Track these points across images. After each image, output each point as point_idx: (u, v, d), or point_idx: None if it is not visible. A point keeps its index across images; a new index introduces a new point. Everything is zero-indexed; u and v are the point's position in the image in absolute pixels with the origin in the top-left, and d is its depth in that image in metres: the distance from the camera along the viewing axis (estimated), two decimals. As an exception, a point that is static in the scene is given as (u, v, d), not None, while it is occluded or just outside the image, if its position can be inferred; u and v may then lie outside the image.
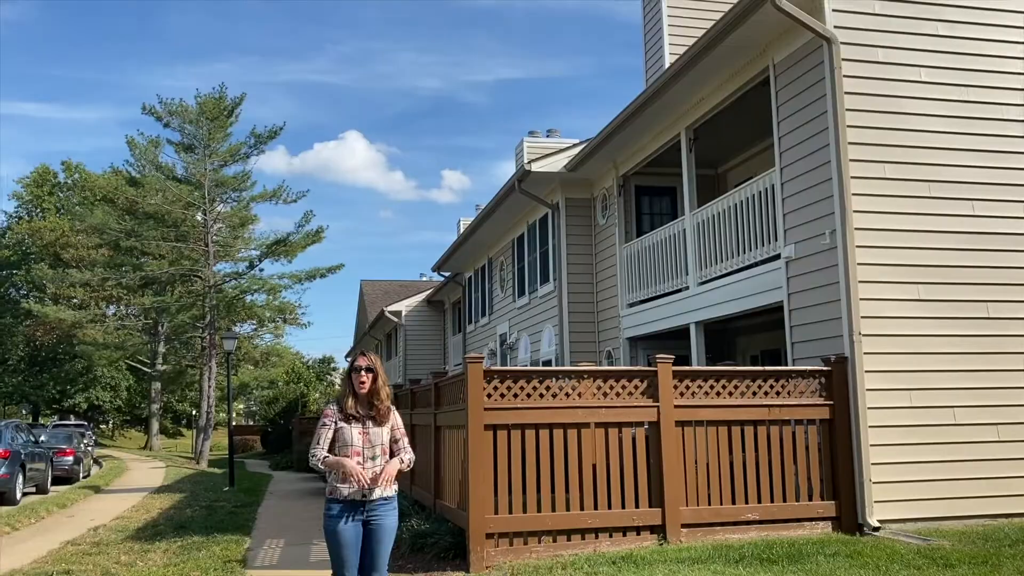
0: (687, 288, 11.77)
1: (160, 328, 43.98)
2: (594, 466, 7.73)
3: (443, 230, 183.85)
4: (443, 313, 30.54)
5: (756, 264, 10.13)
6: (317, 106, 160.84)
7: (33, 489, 17.87)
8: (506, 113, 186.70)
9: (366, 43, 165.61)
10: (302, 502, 15.37)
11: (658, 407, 7.92)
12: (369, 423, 4.82)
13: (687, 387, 8.08)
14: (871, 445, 8.10)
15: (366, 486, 4.70)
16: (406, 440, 4.97)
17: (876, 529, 7.92)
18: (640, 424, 7.97)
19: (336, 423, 4.81)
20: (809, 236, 8.96)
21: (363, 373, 4.82)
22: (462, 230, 24.05)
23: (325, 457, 4.77)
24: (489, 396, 7.61)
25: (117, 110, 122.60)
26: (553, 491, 7.62)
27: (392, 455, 4.88)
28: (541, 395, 7.74)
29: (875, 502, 8.03)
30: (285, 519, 12.69)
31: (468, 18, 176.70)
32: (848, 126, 8.50)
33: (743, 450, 8.09)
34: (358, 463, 4.74)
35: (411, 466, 4.99)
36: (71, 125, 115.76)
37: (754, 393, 8.21)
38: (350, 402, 4.82)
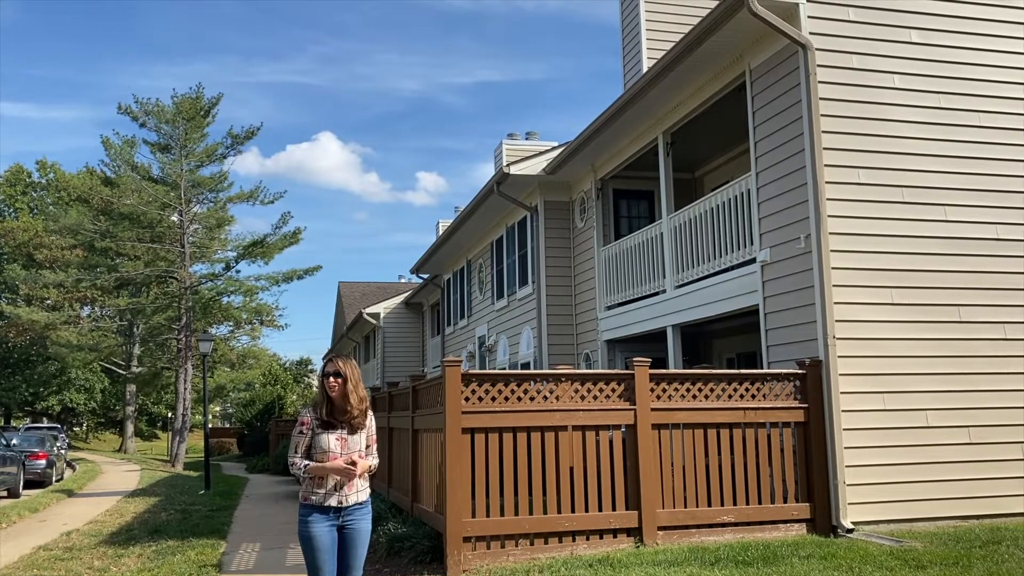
0: (664, 291, 11.82)
1: (135, 330, 43.55)
2: (571, 469, 7.75)
3: (420, 232, 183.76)
4: (422, 315, 30.49)
5: (732, 268, 10.20)
6: (295, 107, 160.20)
7: (4, 493, 17.64)
8: (485, 115, 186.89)
9: (345, 44, 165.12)
10: (278, 505, 15.28)
11: (635, 410, 7.95)
12: (345, 428, 4.80)
13: (664, 390, 8.12)
14: (845, 447, 8.19)
15: (353, 472, 4.66)
16: (375, 448, 4.95)
17: (850, 531, 8.00)
18: (617, 427, 8.00)
19: (313, 430, 4.78)
20: (784, 240, 9.04)
21: (331, 378, 4.77)
22: (441, 232, 24.01)
23: (307, 465, 4.71)
24: (467, 399, 7.60)
25: (93, 110, 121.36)
26: (531, 494, 7.63)
27: None
28: (519, 398, 7.74)
29: (849, 504, 8.11)
30: (261, 523, 12.61)
31: (449, 20, 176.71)
32: (823, 132, 8.59)
33: (719, 453, 8.14)
34: None
35: (373, 472, 4.97)
36: (46, 125, 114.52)
37: (730, 396, 8.26)
38: (325, 408, 4.79)
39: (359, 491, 4.80)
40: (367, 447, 4.88)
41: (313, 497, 4.74)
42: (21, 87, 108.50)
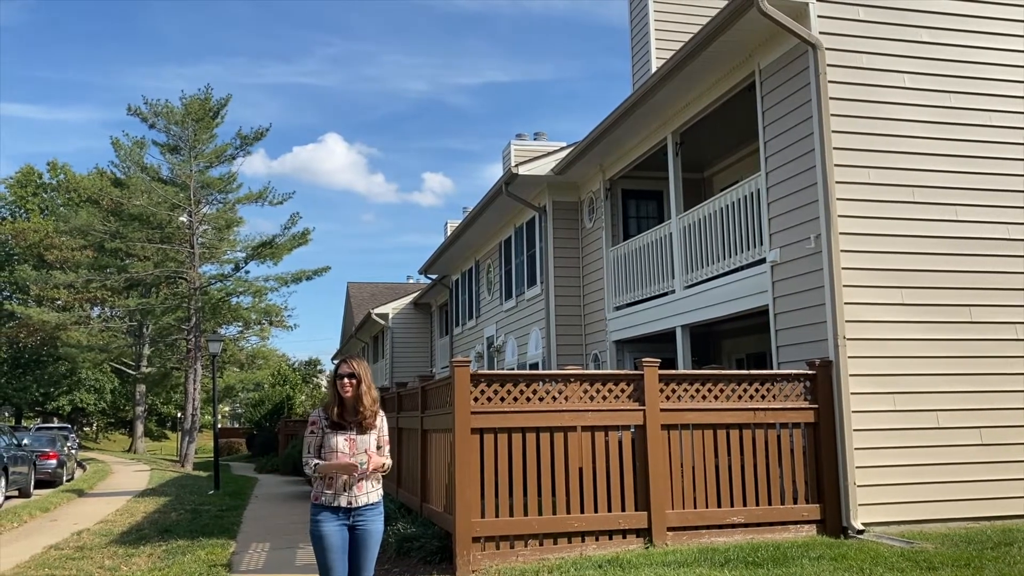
0: (673, 291, 11.80)
1: (145, 330, 43.73)
2: (580, 469, 7.74)
3: (427, 232, 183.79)
4: (430, 315, 30.51)
5: (742, 268, 10.17)
6: (302, 108, 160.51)
7: (16, 493, 17.72)
8: (492, 116, 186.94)
9: (353, 45, 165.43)
10: (287, 505, 15.31)
11: (644, 411, 7.93)
12: (354, 429, 4.81)
13: (673, 391, 8.10)
14: (855, 448, 8.16)
15: (355, 468, 4.70)
16: (387, 448, 4.98)
17: (860, 532, 7.97)
18: (626, 427, 7.98)
19: (322, 430, 4.81)
20: (794, 240, 9.01)
21: (346, 380, 4.79)
22: (449, 233, 24.02)
23: (317, 464, 4.77)
24: (476, 400, 7.61)
25: (103, 111, 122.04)
26: (540, 494, 7.63)
27: None
28: (528, 399, 7.74)
29: (859, 505, 8.08)
30: (270, 523, 12.64)
31: (456, 21, 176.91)
32: (833, 131, 8.56)
33: (728, 453, 8.12)
34: None
35: (387, 471, 4.99)
36: (57, 126, 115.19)
37: (739, 397, 8.24)
38: (335, 409, 4.81)
39: (369, 492, 4.81)
40: (379, 448, 4.89)
41: (323, 497, 4.77)
42: (31, 89, 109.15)
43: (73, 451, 26.89)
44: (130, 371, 46.20)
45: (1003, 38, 9.32)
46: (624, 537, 7.73)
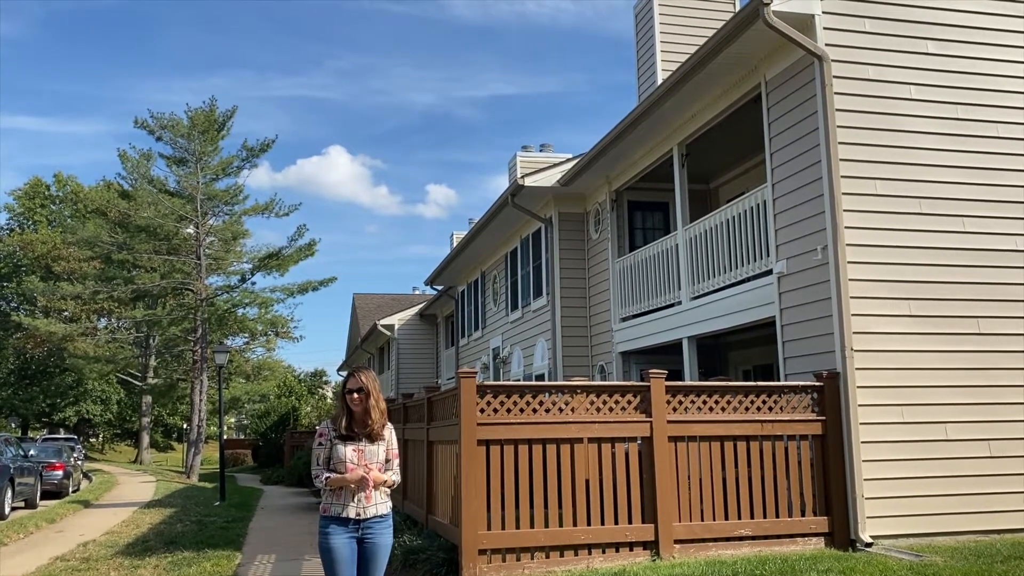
0: (680, 303, 11.79)
1: (151, 341, 43.80)
2: (587, 481, 7.72)
3: (432, 244, 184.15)
4: (436, 327, 30.52)
5: (748, 279, 10.16)
6: (308, 121, 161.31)
7: (22, 504, 17.74)
8: (499, 128, 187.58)
9: (361, 59, 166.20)
10: (293, 517, 15.29)
11: (651, 422, 7.91)
12: (364, 441, 4.82)
13: (680, 402, 8.08)
14: (863, 460, 8.12)
15: (368, 483, 4.69)
16: (397, 462, 4.98)
17: (869, 545, 7.92)
18: (633, 439, 7.96)
19: (331, 441, 4.81)
20: (801, 252, 9.00)
21: (355, 394, 4.81)
22: (455, 244, 24.05)
23: (328, 477, 4.77)
24: (482, 411, 7.59)
25: (112, 124, 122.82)
26: (546, 506, 7.61)
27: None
28: (534, 410, 7.73)
29: (868, 518, 8.03)
30: (276, 534, 12.62)
31: (464, 35, 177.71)
32: (839, 143, 8.55)
33: (736, 465, 8.09)
34: None
35: (394, 486, 4.98)
36: (66, 139, 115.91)
37: (747, 408, 8.21)
38: (344, 421, 4.82)
39: (378, 504, 4.81)
40: (387, 460, 4.89)
41: (332, 509, 4.77)
42: (40, 101, 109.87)
43: (79, 462, 26.89)
44: (136, 382, 46.25)
45: (1010, 49, 9.31)
46: (631, 550, 7.70)
